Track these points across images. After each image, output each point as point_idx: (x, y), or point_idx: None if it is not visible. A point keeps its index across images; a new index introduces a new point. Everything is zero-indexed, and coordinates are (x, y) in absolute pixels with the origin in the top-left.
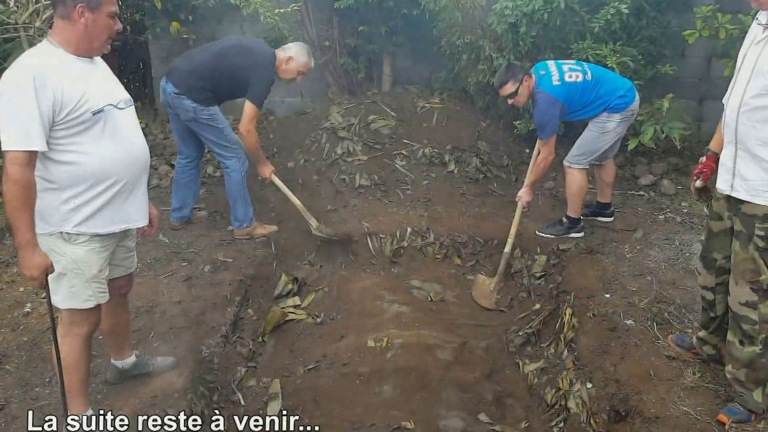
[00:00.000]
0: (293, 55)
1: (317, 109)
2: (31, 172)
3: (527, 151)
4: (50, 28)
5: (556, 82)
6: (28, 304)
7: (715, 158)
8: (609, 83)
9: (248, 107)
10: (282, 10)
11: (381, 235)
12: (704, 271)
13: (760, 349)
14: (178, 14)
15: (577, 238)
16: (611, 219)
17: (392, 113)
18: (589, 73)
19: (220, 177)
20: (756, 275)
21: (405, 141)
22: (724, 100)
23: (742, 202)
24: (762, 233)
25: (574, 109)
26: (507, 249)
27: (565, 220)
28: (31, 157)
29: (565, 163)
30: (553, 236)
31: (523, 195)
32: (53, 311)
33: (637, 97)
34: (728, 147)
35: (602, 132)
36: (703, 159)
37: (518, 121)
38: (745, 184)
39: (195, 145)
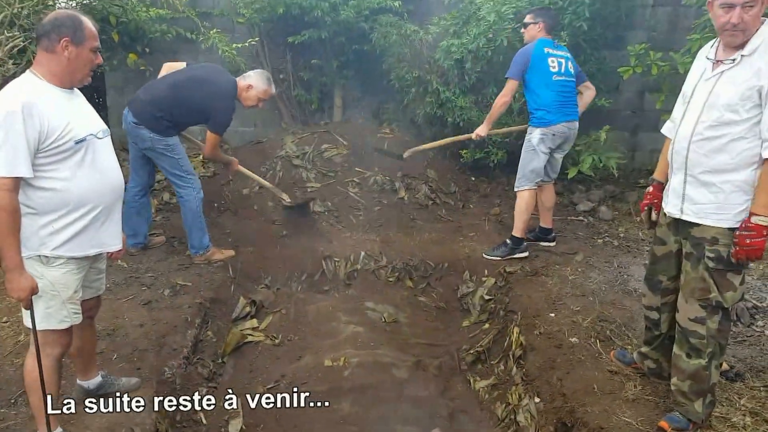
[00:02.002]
0: (253, 83)
1: (272, 138)
2: (17, 197)
3: (473, 179)
4: (10, 59)
5: (547, 50)
6: None
7: (661, 187)
8: (560, 100)
9: (210, 137)
10: (239, 45)
11: (335, 259)
12: (649, 293)
13: (706, 362)
14: (135, 46)
15: (522, 258)
16: (553, 243)
17: (344, 142)
18: (571, 81)
19: (177, 203)
20: (705, 293)
21: (357, 169)
22: (664, 131)
23: (691, 226)
24: (712, 255)
25: (531, 77)
26: (429, 144)
27: (509, 241)
28: (17, 182)
29: (515, 189)
30: (499, 258)
31: (479, 130)
32: (26, 333)
33: (564, 125)
34: (677, 174)
35: (529, 149)
36: (650, 189)
37: (464, 151)
38: (695, 207)
39: (147, 175)
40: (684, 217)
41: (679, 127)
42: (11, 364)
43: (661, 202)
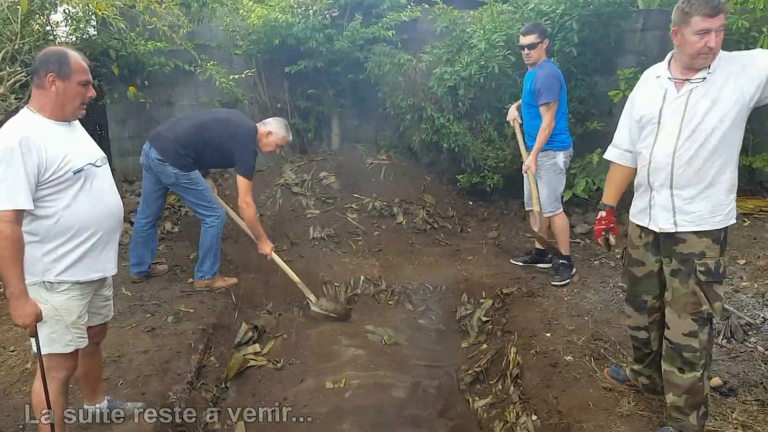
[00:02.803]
0: (273, 129)
1: (271, 167)
2: (20, 228)
3: (470, 203)
4: (12, 94)
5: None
6: None
7: (614, 212)
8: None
9: (241, 181)
10: (236, 76)
11: (336, 284)
12: (635, 314)
13: (700, 374)
14: (135, 79)
15: (572, 276)
16: (550, 265)
17: (342, 169)
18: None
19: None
20: (697, 306)
21: (355, 195)
22: (612, 157)
23: (676, 243)
24: (702, 268)
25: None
26: (536, 208)
27: (562, 261)
28: (19, 215)
29: (550, 214)
30: (567, 280)
31: (530, 164)
32: (33, 360)
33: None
34: (661, 191)
35: (557, 172)
36: (603, 214)
37: (461, 176)
38: (690, 216)
39: (157, 207)
40: (680, 229)
41: (654, 147)
42: (19, 391)
43: (615, 226)
